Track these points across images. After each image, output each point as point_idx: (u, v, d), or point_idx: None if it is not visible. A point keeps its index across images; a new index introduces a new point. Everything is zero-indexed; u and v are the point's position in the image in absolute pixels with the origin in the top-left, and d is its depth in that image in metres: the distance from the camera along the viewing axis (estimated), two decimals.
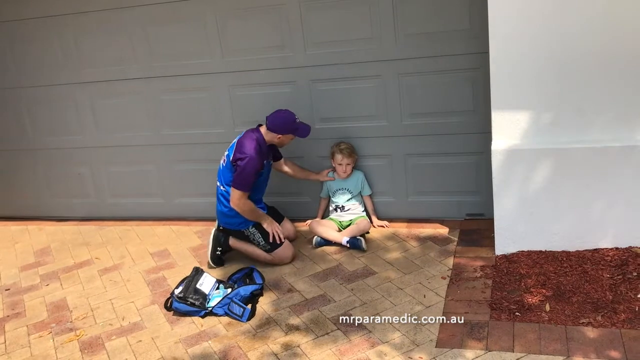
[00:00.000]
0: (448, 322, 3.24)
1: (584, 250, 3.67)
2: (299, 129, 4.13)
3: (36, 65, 5.06)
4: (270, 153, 4.23)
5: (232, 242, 4.25)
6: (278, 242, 4.12)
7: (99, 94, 4.99)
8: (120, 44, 4.77)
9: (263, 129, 4.11)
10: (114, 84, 4.91)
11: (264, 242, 4.12)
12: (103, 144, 5.16)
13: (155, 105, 4.88)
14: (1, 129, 5.39)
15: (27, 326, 3.83)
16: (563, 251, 3.70)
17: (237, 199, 4.00)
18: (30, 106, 5.24)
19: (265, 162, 4.10)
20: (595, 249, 3.65)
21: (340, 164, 4.39)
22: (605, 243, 3.64)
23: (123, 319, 3.76)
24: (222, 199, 4.15)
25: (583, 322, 3.08)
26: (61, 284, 4.32)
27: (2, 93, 5.25)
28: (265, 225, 4.14)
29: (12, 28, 4.98)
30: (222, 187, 4.14)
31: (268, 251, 4.13)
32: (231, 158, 4.03)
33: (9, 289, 4.35)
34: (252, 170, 3.95)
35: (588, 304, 3.23)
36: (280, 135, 4.08)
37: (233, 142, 4.12)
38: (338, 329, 3.35)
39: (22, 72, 5.12)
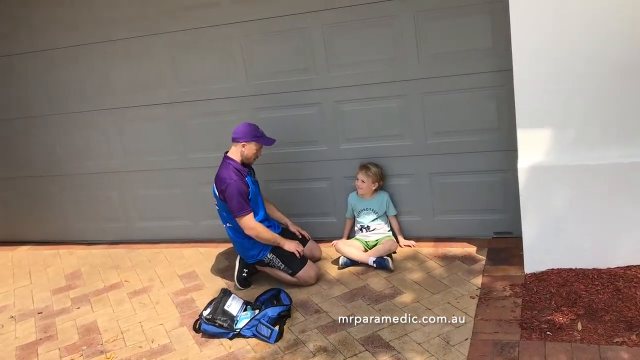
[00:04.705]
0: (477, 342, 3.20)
1: (615, 268, 3.61)
2: (264, 137, 4.14)
3: (66, 92, 5.20)
4: (248, 170, 4.22)
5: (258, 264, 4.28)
6: (299, 256, 4.13)
7: (126, 119, 5.10)
8: (147, 70, 4.88)
9: (229, 152, 4.16)
10: (142, 109, 5.02)
11: (284, 267, 4.14)
12: (131, 169, 5.26)
13: (182, 129, 4.96)
14: (33, 155, 5.53)
15: (59, 349, 3.89)
16: (594, 269, 3.64)
17: (246, 223, 4.04)
18: (60, 132, 5.37)
19: (247, 179, 4.13)
20: (628, 266, 3.58)
21: (357, 179, 4.42)
22: (638, 260, 3.57)
23: (152, 341, 3.80)
24: (232, 235, 4.23)
25: (617, 342, 3.02)
26: (92, 307, 4.38)
27: (33, 120, 5.39)
28: (286, 247, 4.16)
29: (43, 57, 5.13)
30: (227, 226, 4.22)
31: (291, 274, 4.14)
32: (218, 195, 4.10)
33: (41, 312, 4.42)
34: (238, 191, 3.99)
35: (621, 322, 3.16)
36: (244, 144, 4.08)
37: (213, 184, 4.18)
38: (366, 349, 3.33)
39: (52, 100, 5.26)
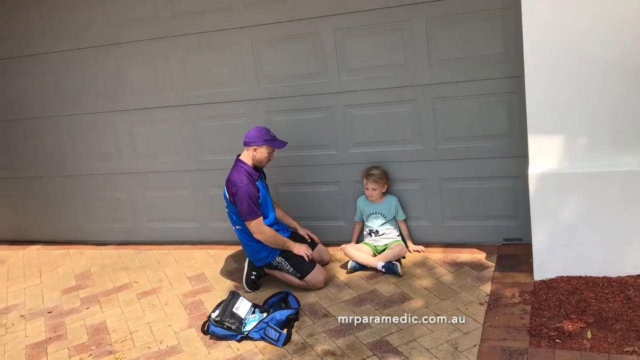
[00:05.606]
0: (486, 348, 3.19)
1: (626, 276, 3.58)
2: (275, 140, 4.15)
3: (77, 94, 5.24)
4: (259, 174, 4.22)
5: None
6: (307, 260, 4.14)
7: (137, 121, 5.13)
8: (158, 72, 4.90)
9: (242, 155, 4.18)
10: (152, 111, 5.04)
11: (293, 270, 4.15)
12: (140, 170, 5.29)
13: (192, 131, 4.98)
14: (43, 155, 5.58)
15: (68, 348, 3.91)
16: (604, 277, 3.62)
17: (256, 227, 4.05)
18: (70, 133, 5.41)
19: (258, 183, 4.14)
20: (639, 275, 3.56)
21: (366, 188, 4.41)
22: None
23: (161, 342, 3.81)
24: (241, 238, 4.24)
25: (627, 351, 3.00)
26: (101, 307, 4.40)
27: (45, 121, 5.43)
28: (295, 251, 4.16)
29: (55, 59, 5.18)
30: (236, 228, 4.23)
31: (299, 278, 4.15)
32: (228, 197, 4.10)
33: (51, 312, 4.45)
34: (249, 195, 4.00)
35: (632, 331, 3.14)
36: (255, 147, 4.09)
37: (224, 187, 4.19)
38: (374, 354, 3.33)
39: (63, 101, 5.31)
